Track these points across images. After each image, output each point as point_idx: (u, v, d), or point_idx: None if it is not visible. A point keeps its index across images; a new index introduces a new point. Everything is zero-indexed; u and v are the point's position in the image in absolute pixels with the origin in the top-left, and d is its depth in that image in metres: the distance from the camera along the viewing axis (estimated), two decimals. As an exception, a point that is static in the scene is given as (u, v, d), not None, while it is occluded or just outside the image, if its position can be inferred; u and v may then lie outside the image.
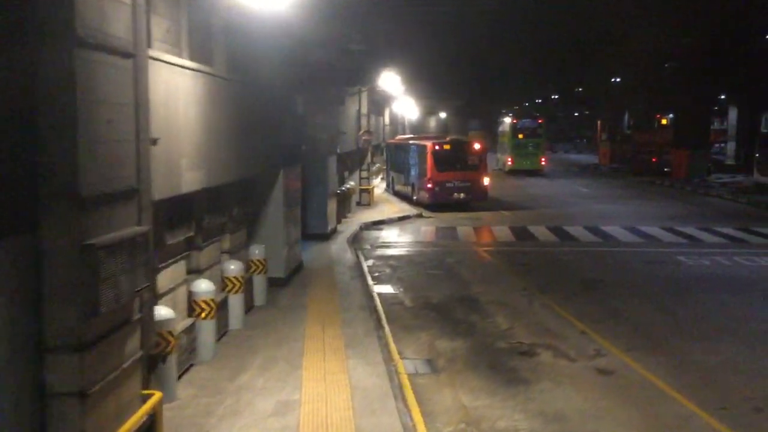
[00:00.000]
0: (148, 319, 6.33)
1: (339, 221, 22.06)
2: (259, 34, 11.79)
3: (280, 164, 13.25)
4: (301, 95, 14.23)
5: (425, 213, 25.85)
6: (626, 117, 56.53)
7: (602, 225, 22.09)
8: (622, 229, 21.23)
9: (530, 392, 8.48)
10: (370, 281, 14.46)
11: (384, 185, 35.77)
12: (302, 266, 15.20)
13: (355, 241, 19.73)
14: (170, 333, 7.65)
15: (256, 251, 12.09)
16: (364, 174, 27.98)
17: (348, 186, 25.28)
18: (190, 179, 8.06)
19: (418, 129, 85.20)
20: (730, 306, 12.29)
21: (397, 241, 19.88)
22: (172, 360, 7.74)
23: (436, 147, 26.48)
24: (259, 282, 12.10)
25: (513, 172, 45.12)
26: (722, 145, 49.95)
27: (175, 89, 7.66)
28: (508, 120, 48.36)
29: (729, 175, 40.67)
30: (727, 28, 24.22)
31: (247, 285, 11.70)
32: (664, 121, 44.23)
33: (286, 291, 13.09)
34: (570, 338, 10.54)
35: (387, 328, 11.00)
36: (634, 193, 33.46)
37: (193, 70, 8.28)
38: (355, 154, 27.44)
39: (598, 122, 59.47)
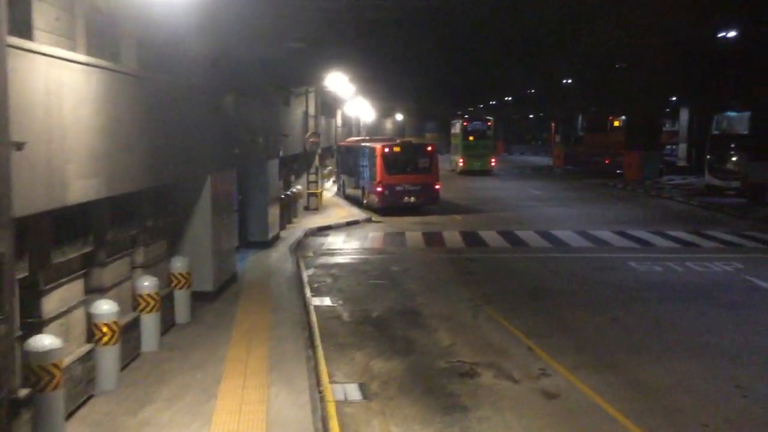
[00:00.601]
0: (6, 357, 5.34)
1: (283, 227, 21.11)
2: (180, 28, 10.83)
3: (207, 169, 12.27)
4: (232, 95, 13.26)
5: (375, 217, 25.04)
6: (580, 119, 56.71)
7: (553, 229, 21.58)
8: (573, 233, 20.74)
9: (468, 421, 7.70)
10: (308, 293, 13.57)
11: (336, 188, 34.86)
12: (236, 278, 14.22)
13: (299, 248, 18.80)
14: (55, 365, 6.66)
15: (179, 264, 11.10)
16: (312, 177, 27.03)
17: (294, 190, 24.32)
18: (80, 188, 7.06)
19: (374, 131, 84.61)
20: (683, 317, 11.75)
21: (342, 248, 19.02)
22: (58, 396, 6.74)
23: (386, 149, 25.70)
24: (181, 297, 11.11)
25: (465, 173, 45.86)
26: (674, 146, 50.39)
27: (59, 86, 6.66)
28: (459, 122, 49.25)
29: (681, 176, 40.89)
30: (678, 29, 24.06)
31: (168, 301, 10.72)
32: (616, 123, 44.32)
33: (214, 306, 12.11)
34: (515, 355, 9.82)
35: (319, 348, 10.12)
36: (587, 195, 33.23)
37: (85, 64, 7.29)
38: (302, 157, 26.48)
39: (552, 124, 59.60)
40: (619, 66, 31.84)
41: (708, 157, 30.94)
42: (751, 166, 27.93)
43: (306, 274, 15.43)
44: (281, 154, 20.54)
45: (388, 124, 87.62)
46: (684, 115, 46.24)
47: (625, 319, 11.59)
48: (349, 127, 54.20)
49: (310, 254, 18.09)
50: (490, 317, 11.81)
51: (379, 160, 25.51)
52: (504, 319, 11.65)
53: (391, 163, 25.64)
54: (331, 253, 18.28)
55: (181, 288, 11.08)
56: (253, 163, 17.33)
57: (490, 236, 20.46)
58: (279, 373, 8.80)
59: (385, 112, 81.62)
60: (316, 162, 27.35)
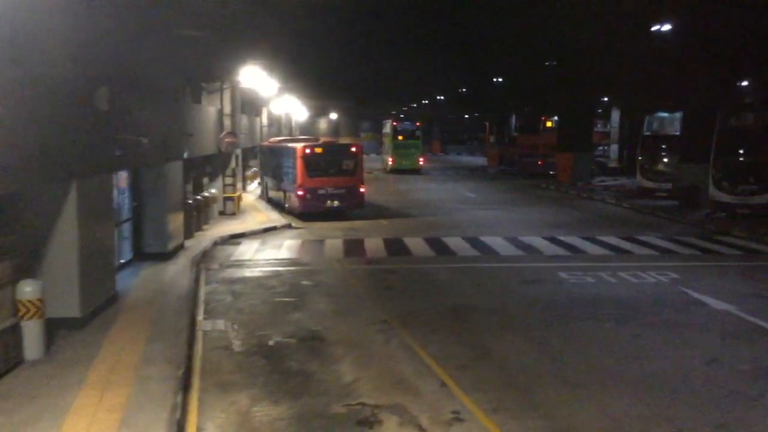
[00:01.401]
0: None
1: (190, 235, 19.23)
2: (35, 14, 8.97)
3: (71, 174, 10.38)
4: (105, 89, 11.39)
5: (295, 223, 23.37)
6: (513, 119, 56.26)
7: (483, 235, 20.37)
8: (502, 240, 19.56)
9: (359, 491, 6.19)
10: (200, 316, 11.85)
11: (260, 191, 32.97)
12: (116, 298, 12.34)
13: (203, 259, 16.98)
14: None
15: (28, 289, 9.21)
16: (229, 180, 25.12)
17: (207, 194, 22.42)
18: None
19: (308, 130, 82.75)
20: (617, 340, 10.54)
21: (252, 258, 17.28)
22: None
23: (307, 150, 24.03)
24: (31, 329, 9.22)
25: (395, 172, 47.28)
26: (606, 147, 50.36)
27: None
28: (389, 122, 51.06)
29: (612, 177, 40.68)
30: (608, 29, 23.23)
31: (12, 334, 8.85)
32: (549, 124, 43.79)
33: (79, 336, 10.24)
34: (426, 394, 8.36)
35: (194, 391, 8.45)
36: (519, 197, 32.35)
37: None
38: (217, 158, 24.54)
39: (486, 124, 59.05)
40: (549, 64, 30.97)
41: (639, 158, 30.46)
42: (682, 168, 27.49)
43: (203, 292, 13.69)
44: (186, 155, 18.65)
45: (323, 124, 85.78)
46: (615, 115, 46.16)
47: (554, 343, 10.29)
48: (278, 126, 52.22)
49: (215, 266, 16.29)
50: (404, 343, 10.34)
51: (299, 162, 23.82)
52: (419, 345, 10.20)
53: (313, 164, 23.99)
54: (239, 264, 16.53)
55: (31, 318, 9.19)
56: (146, 166, 15.42)
57: (416, 244, 19.07)
58: (131, 429, 7.09)
59: (319, 111, 79.74)
60: (233, 163, 25.45)
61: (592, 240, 19.41)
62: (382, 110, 79.06)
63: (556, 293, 13.38)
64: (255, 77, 23.64)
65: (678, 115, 29.07)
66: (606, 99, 45.95)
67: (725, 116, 24.06)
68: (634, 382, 8.73)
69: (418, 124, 50.02)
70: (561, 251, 17.81)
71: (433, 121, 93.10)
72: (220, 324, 11.46)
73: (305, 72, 41.59)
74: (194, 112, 20.76)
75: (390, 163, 48.56)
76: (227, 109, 24.75)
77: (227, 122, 24.72)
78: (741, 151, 23.89)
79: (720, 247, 18.32)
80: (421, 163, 48.91)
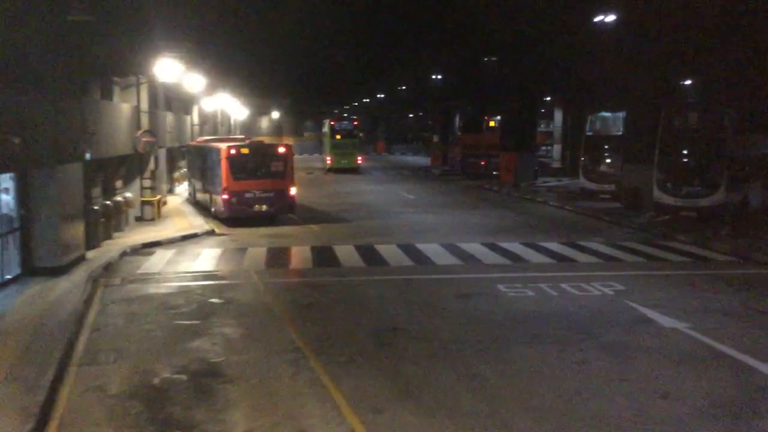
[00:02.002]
0: None
1: (95, 245, 17.34)
2: None
3: None
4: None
5: (219, 229, 21.63)
6: (457, 118, 55.35)
7: (419, 242, 19.04)
8: (439, 247, 18.26)
9: None
10: (80, 346, 10.13)
11: (188, 194, 30.99)
12: (-20, 327, 10.49)
13: (106, 273, 15.15)
14: None
15: None
16: (148, 183, 23.17)
17: (120, 199, 20.47)
18: None
19: (249, 130, 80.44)
20: (559, 368, 9.27)
21: (162, 271, 15.51)
22: None
23: (232, 151, 22.28)
24: None
25: (334, 171, 47.43)
26: (549, 147, 49.90)
27: None
28: (327, 122, 51.02)
29: (556, 178, 40.04)
30: (548, 23, 22.31)
31: None
32: (492, 123, 42.90)
33: None
34: (331, 449, 6.90)
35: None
36: (461, 199, 31.22)
37: None
38: (134, 159, 22.57)
39: (430, 123, 58.04)
40: (488, 59, 29.86)
41: (582, 159, 29.69)
42: (625, 169, 26.78)
43: (93, 314, 11.92)
44: (89, 156, 16.73)
45: (264, 123, 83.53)
46: (558, 115, 45.63)
47: (488, 375, 8.95)
48: (214, 125, 49.97)
49: (117, 282, 14.49)
50: (315, 378, 8.84)
51: (224, 163, 22.06)
52: (332, 380, 8.73)
53: (239, 166, 22.26)
54: (145, 279, 14.75)
55: None
56: (36, 169, 13.51)
57: (346, 253, 17.60)
58: None
59: (260, 110, 77.51)
60: (152, 164, 23.49)
61: (534, 247, 18.29)
62: (326, 109, 77.47)
63: (493, 310, 12.09)
64: (173, 71, 21.71)
65: (621, 114, 28.36)
66: (549, 99, 45.39)
67: (668, 116, 23.33)
68: (579, 426, 7.44)
69: (355, 123, 50.40)
70: (501, 260, 16.59)
71: (378, 121, 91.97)
72: (101, 356, 9.76)
73: (238, 69, 39.72)
74: (101, 108, 18.82)
75: (328, 162, 48.56)
76: (144, 106, 22.76)
77: (144, 120, 22.75)
78: (684, 152, 23.21)
79: (665, 253, 17.41)
80: (359, 162, 49.06)
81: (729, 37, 26.11)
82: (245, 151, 22.62)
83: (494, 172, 40.27)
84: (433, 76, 38.50)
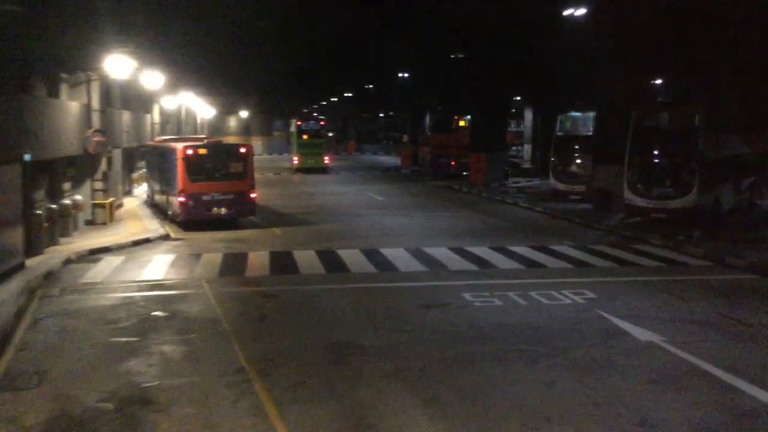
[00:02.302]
0: None
1: (38, 252, 16.24)
2: None
3: None
4: None
5: (175, 233, 20.61)
6: (427, 117, 54.73)
7: (384, 246, 18.24)
8: (405, 252, 17.47)
9: None
10: (0, 369, 9.12)
11: (147, 196, 29.82)
12: None
13: (45, 283, 14.08)
14: None
15: None
16: (99, 185, 22.01)
17: (67, 202, 19.33)
18: None
19: (217, 129, 79.04)
20: (526, 390, 8.51)
21: (105, 281, 14.46)
22: None
23: (189, 151, 21.24)
24: None
25: (301, 171, 47.56)
26: (519, 147, 49.49)
27: None
28: (294, 121, 51.13)
29: (526, 178, 39.55)
30: (516, 18, 21.66)
31: None
32: (462, 123, 42.24)
33: None
34: (267, 494, 6.04)
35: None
36: (430, 201, 30.49)
37: None
38: (84, 160, 21.41)
39: (400, 123, 57.32)
40: (455, 57, 29.10)
41: (552, 159, 29.14)
42: (596, 170, 26.28)
43: (23, 330, 10.90)
44: (28, 156, 15.61)
45: (233, 122, 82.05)
46: (528, 114, 45.19)
47: (449, 398, 8.16)
48: (178, 124, 48.63)
49: (55, 293, 13.44)
50: (257, 405, 7.96)
51: (180, 164, 21.02)
52: (276, 407, 7.86)
53: (196, 167, 21.25)
54: (87, 289, 13.71)
55: None
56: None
57: (307, 258, 16.72)
58: None
59: (228, 109, 76.04)
60: (104, 166, 22.34)
61: (503, 251, 17.59)
62: (295, 108, 76.31)
63: (457, 321, 11.31)
64: (125, 68, 20.58)
65: (591, 114, 27.88)
66: (519, 98, 44.94)
67: (639, 116, 22.81)
68: (546, 460, 6.68)
69: (322, 123, 50.61)
70: (468, 266, 15.84)
71: (348, 121, 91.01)
72: (17, 382, 8.76)
73: (201, 67, 38.57)
74: (45, 106, 17.68)
75: (295, 162, 48.55)
76: (96, 104, 21.60)
77: (96, 119, 21.59)
78: (655, 153, 22.73)
79: (638, 257, 16.82)
80: (327, 162, 48.93)
81: (698, 37, 25.74)
82: (203, 151, 21.60)
83: (464, 173, 39.66)
84: (400, 74, 37.57)
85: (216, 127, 78.43)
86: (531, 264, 16.04)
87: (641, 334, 10.58)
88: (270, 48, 37.22)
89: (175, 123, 48.29)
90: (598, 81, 26.29)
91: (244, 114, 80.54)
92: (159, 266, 15.96)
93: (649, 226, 20.91)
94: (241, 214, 21.80)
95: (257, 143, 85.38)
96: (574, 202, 27.23)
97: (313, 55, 38.85)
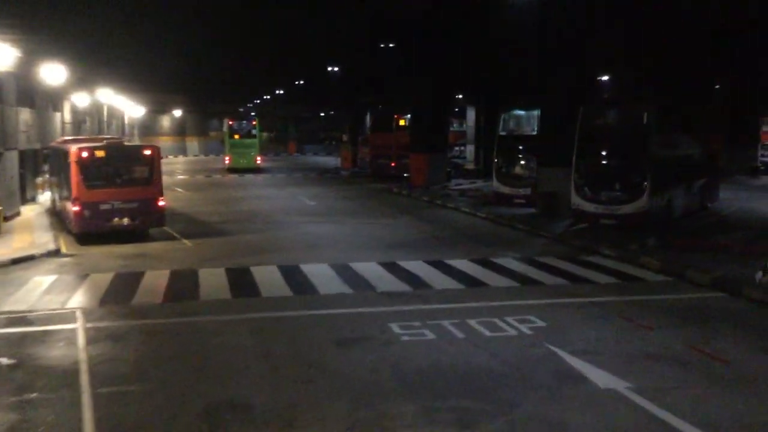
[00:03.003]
0: None
1: None
2: None
3: None
4: None
5: (68, 248, 17.94)
6: (368, 116, 52.66)
7: (307, 261, 16.01)
8: (329, 269, 15.27)
9: None
10: None
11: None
12: None
13: None
14: None
15: None
16: (-20, 192, 19.12)
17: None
18: None
19: (147, 129, 75.24)
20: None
21: (-44, 314, 11.82)
22: None
23: (83, 153, 18.57)
24: None
25: (233, 171, 47.35)
26: (462, 147, 47.89)
27: None
28: (226, 121, 51.30)
29: (469, 180, 37.90)
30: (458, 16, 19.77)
31: None
32: (402, 122, 40.24)
33: None
34: None
35: None
36: (366, 205, 28.36)
37: None
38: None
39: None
40: (384, 46, 26.90)
41: (495, 160, 27.35)
42: (541, 172, 24.57)
43: None
44: None
45: (165, 122, 78.24)
46: (471, 113, 43.56)
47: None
48: (97, 123, 45.20)
49: None
50: None
51: (74, 168, 18.35)
52: None
53: (93, 171, 18.62)
54: (-75, 327, 11.05)
55: None
56: None
57: (212, 279, 14.36)
58: None
59: (160, 108, 72.28)
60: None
61: (440, 266, 15.56)
62: (233, 108, 73.26)
63: (379, 367, 9.16)
64: (6, 58, 17.75)
65: (536, 113, 26.17)
66: (461, 96, 43.27)
67: (586, 114, 21.13)
68: None
69: (254, 123, 50.14)
70: (399, 285, 13.74)
71: (288, 120, 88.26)
72: None
73: (120, 61, 35.54)
74: None
75: (227, 162, 48.44)
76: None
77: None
78: (604, 154, 21.12)
79: (589, 272, 15.01)
80: (259, 162, 48.69)
81: (648, 32, 24.37)
82: (100, 153, 18.92)
83: (405, 174, 37.70)
84: (330, 68, 35.27)
85: (147, 126, 74.59)
86: (471, 282, 14.04)
87: (600, 378, 8.63)
88: (192, 42, 34.47)
89: (95, 123, 44.88)
90: (542, 76, 24.58)
91: (178, 113, 76.86)
92: (31, 292, 13.34)
93: (598, 234, 19.27)
94: (146, 224, 19.23)
95: (193, 143, 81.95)
96: (518, 206, 25.51)
97: (245, 52, 36.29)
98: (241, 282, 14.11)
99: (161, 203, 19.37)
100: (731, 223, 22.16)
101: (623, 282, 14.18)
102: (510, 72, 26.99)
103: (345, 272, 14.93)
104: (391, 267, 15.46)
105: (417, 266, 15.53)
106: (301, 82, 44.09)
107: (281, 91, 52.33)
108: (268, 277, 14.53)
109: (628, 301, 12.64)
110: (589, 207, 20.47)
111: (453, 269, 15.24)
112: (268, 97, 59.02)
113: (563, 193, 21.85)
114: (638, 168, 20.02)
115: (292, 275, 14.66)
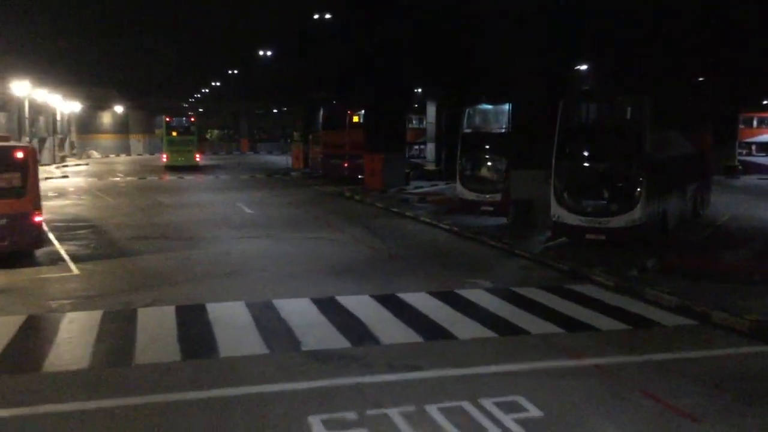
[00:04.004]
0: None
1: None
2: None
3: None
4: None
5: None
6: (321, 112, 48.77)
7: (217, 299, 12.19)
8: (244, 309, 11.48)
9: None
10: None
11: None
12: None
13: None
14: None
15: None
16: None
17: None
18: None
19: (85, 127, 70.23)
20: None
21: None
22: None
23: (-68, 157, 14.40)
24: None
25: (170, 169, 45.94)
26: (422, 146, 44.41)
27: None
28: (163, 118, 49.97)
29: (430, 182, 34.48)
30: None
31: None
32: (356, 119, 36.50)
33: None
34: None
35: None
36: (312, 214, 24.55)
37: None
38: None
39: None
40: (319, 17, 23.01)
41: (459, 161, 23.83)
42: (513, 176, 21.15)
43: None
44: None
45: (106, 118, 73.07)
46: (431, 109, 40.08)
47: None
48: (18, 119, 40.46)
49: None
50: None
51: None
52: None
53: (-55, 180, 14.44)
54: None
55: None
56: None
57: (78, 332, 10.44)
58: None
59: (100, 103, 67.16)
60: None
61: (392, 303, 11.89)
62: (175, 103, 68.68)
63: None
64: None
65: (506, 107, 22.70)
66: (420, 90, 39.76)
67: (567, 108, 17.68)
68: None
69: (192, 119, 49.09)
70: (333, 339, 10.00)
71: (240, 117, 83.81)
72: None
73: (42, 53, 31.17)
74: None
75: (164, 159, 47.36)
76: None
77: None
78: (588, 156, 17.74)
79: (586, 312, 11.49)
80: (198, 159, 47.60)
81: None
82: (-45, 157, 14.76)
83: (359, 176, 34.02)
84: (262, 52, 31.24)
85: (85, 124, 69.49)
86: (431, 331, 10.38)
87: None
88: (119, 30, 30.30)
89: (15, 118, 40.14)
90: (512, 66, 21.15)
91: (119, 109, 71.78)
92: None
93: (584, 252, 15.88)
94: (19, 245, 15.09)
95: (138, 141, 76.90)
96: (486, 215, 22.07)
97: (180, 43, 32.32)
98: (114, 336, 10.20)
99: (38, 219, 15.23)
100: (733, 234, 19.17)
101: (632, 328, 10.69)
102: (474, 59, 23.41)
103: (264, 317, 11.14)
104: (327, 306, 11.72)
105: (362, 304, 11.83)
106: (236, 71, 39.90)
107: (217, 83, 48.22)
108: (156, 328, 10.63)
109: (645, 362, 9.12)
110: (572, 219, 17.05)
111: (408, 309, 11.56)
112: (206, 90, 54.88)
113: (541, 201, 18.45)
114: (630, 172, 16.68)
115: (190, 323, 10.81)
